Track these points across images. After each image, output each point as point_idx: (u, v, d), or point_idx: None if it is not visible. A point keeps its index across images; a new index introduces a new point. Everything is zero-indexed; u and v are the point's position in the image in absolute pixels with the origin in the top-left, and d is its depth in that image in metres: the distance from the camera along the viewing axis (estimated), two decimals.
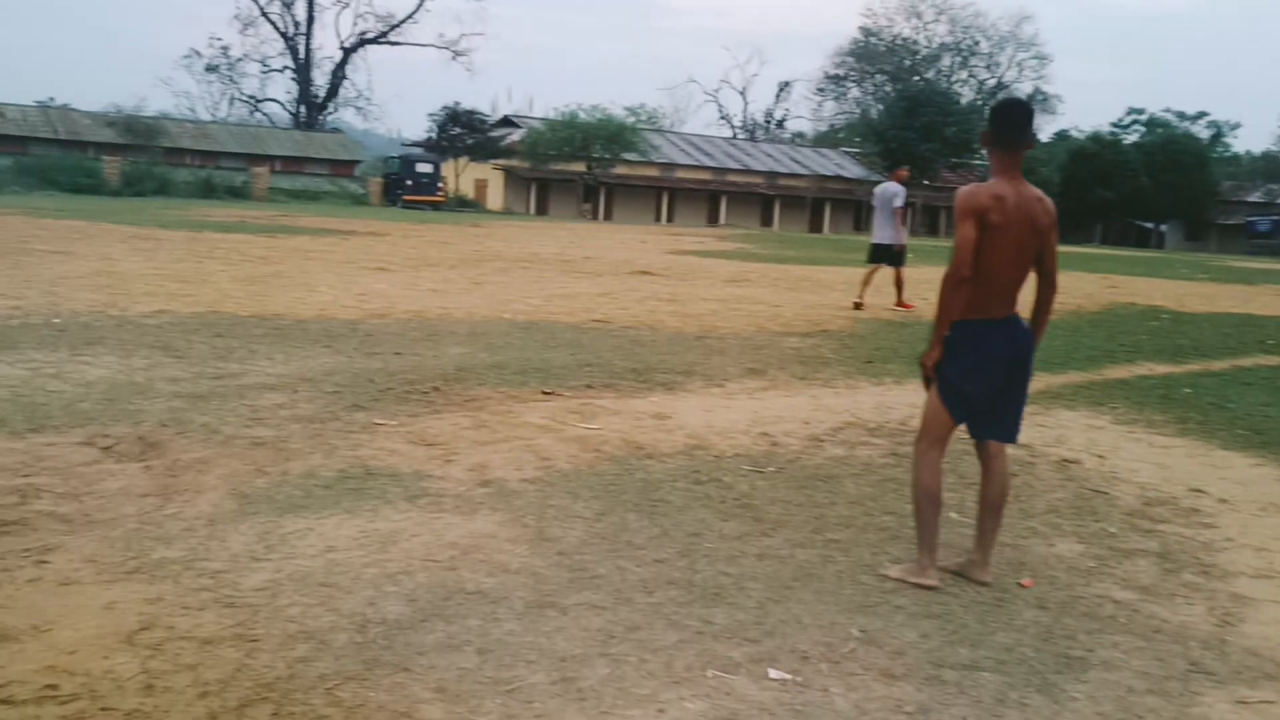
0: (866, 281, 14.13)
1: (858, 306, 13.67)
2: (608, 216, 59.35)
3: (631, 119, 59.71)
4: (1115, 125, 67.92)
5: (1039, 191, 4.05)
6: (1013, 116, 4.12)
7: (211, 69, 75.20)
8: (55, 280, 12.11)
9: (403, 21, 76.09)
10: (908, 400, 7.45)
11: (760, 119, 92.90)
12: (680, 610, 3.70)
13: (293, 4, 73.48)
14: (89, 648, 3.15)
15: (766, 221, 65.22)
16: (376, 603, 3.62)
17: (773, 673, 3.28)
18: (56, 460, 5.11)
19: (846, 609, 3.81)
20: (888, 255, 14.12)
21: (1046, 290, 4.17)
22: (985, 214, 3.91)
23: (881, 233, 14.22)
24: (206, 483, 4.88)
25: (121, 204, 35.31)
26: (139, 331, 8.90)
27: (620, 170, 60.09)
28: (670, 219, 61.66)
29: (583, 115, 57.86)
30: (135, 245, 17.84)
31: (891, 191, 14.17)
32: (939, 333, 4.01)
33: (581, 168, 58.03)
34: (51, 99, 62.42)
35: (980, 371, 4.02)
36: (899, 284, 14.21)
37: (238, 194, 48.97)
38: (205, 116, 72.08)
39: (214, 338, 8.79)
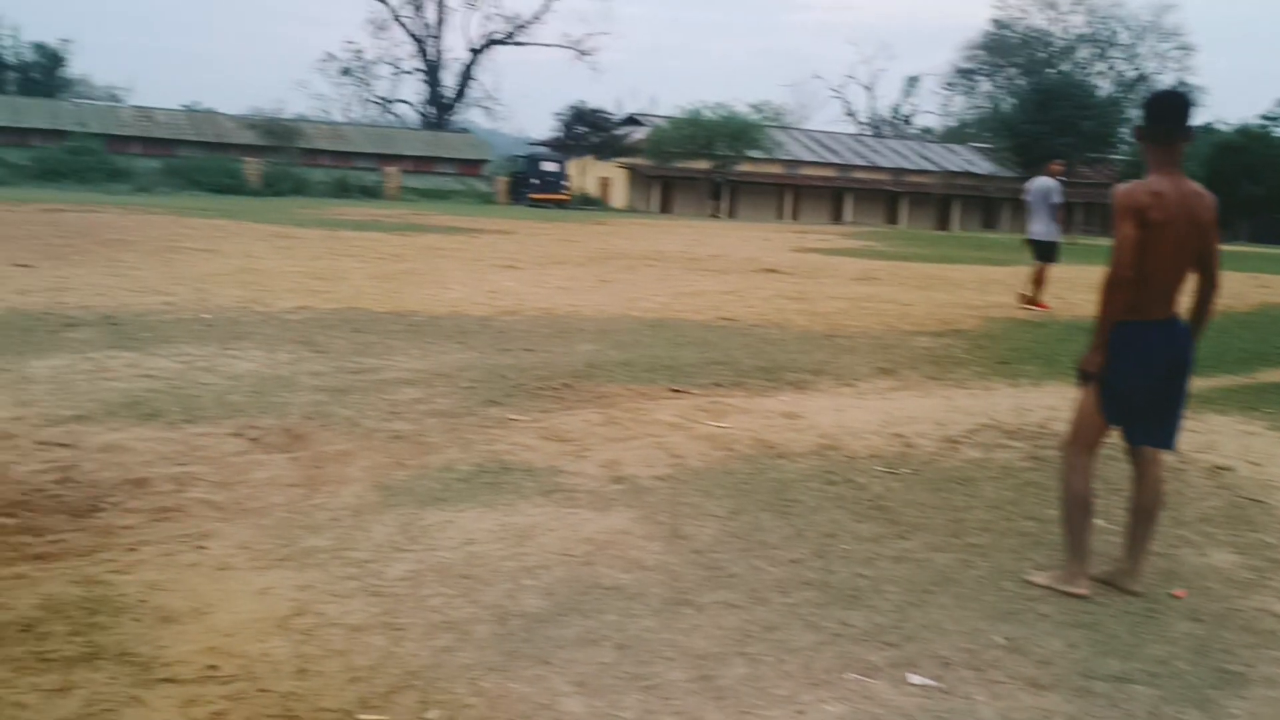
0: (1038, 279, 13.86)
1: (1033, 305, 13.49)
2: (731, 214, 59.20)
3: (756, 116, 59.39)
4: (1264, 118, 64.78)
5: (1198, 186, 3.89)
6: (1169, 109, 3.96)
7: (346, 72, 77.40)
8: (203, 277, 12.63)
9: (529, 22, 77.20)
10: (1046, 402, 7.25)
11: (886, 115, 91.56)
12: (817, 611, 3.67)
13: (424, 7, 75.18)
14: (246, 631, 3.28)
15: (892, 219, 64.20)
16: (515, 595, 3.68)
17: (914, 678, 3.22)
18: (210, 450, 5.32)
19: (989, 615, 3.73)
20: (1048, 251, 13.84)
21: (1208, 289, 4.00)
22: (1145, 212, 3.77)
23: (1038, 228, 13.93)
24: (349, 474, 5.03)
25: (261, 204, 36.63)
26: (282, 327, 9.21)
27: (744, 168, 59.85)
28: (794, 217, 61.20)
29: (707, 113, 57.79)
30: (275, 244, 18.48)
31: (1048, 186, 13.86)
32: (1100, 335, 3.86)
33: (705, 166, 57.97)
34: (197, 103, 65.25)
35: (1139, 374, 3.88)
36: (1041, 281, 13.87)
37: (370, 193, 50.34)
38: (339, 118, 74.31)
39: (352, 333, 9.05)
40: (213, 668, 3.03)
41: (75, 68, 68.74)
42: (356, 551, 4.01)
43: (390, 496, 4.70)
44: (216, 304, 10.42)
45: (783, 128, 67.25)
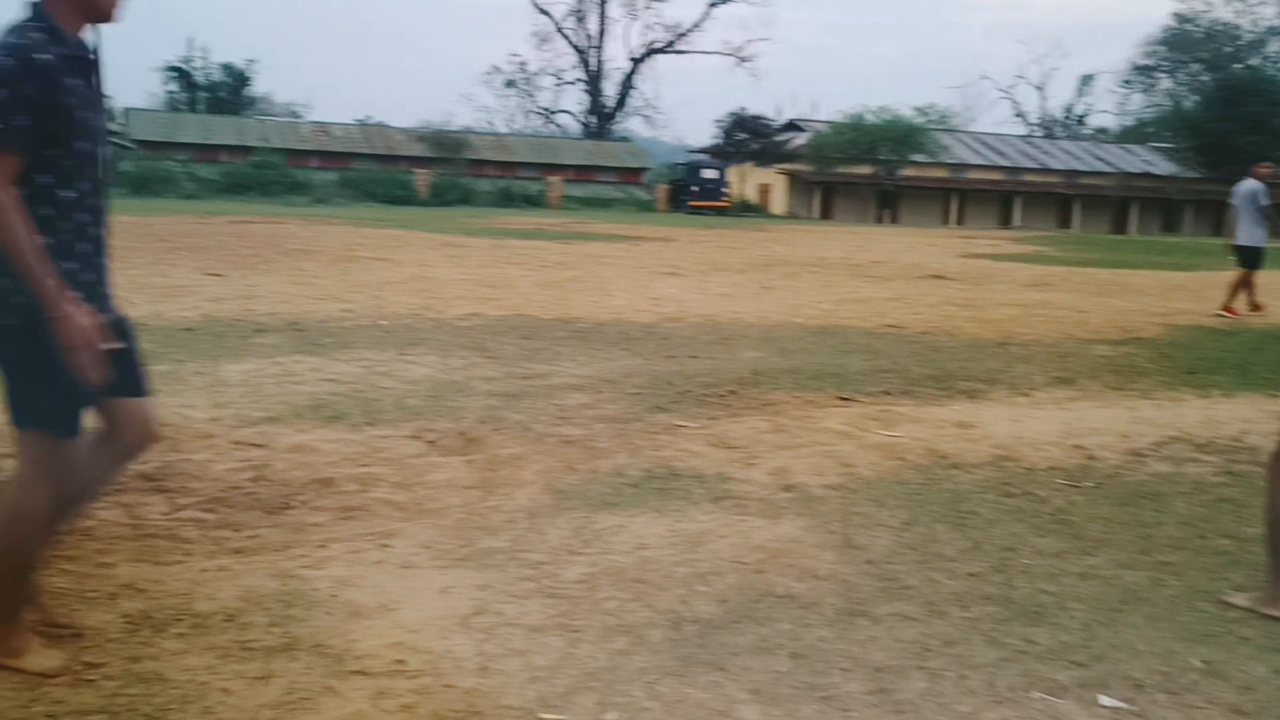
0: (1248, 286, 13.24)
1: (1256, 308, 12.94)
2: (894, 220, 58.18)
3: (920, 119, 58.26)
4: None
5: None
6: None
7: (510, 84, 79.32)
8: (379, 285, 13.12)
9: (689, 30, 77.54)
10: (1240, 415, 6.87)
11: (1059, 115, 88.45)
12: (999, 627, 3.56)
13: (586, 18, 76.43)
14: (430, 628, 3.38)
15: (1064, 223, 61.98)
16: (689, 601, 3.69)
17: (1104, 699, 3.09)
18: (390, 452, 5.52)
19: (1183, 637, 3.55)
20: (1254, 257, 13.21)
21: None
22: None
23: (1245, 233, 13.31)
24: (523, 477, 5.13)
25: (430, 213, 37.87)
26: (454, 333, 9.49)
27: (908, 172, 58.76)
28: (959, 222, 59.73)
29: (869, 117, 56.98)
30: (445, 252, 19.08)
31: (1254, 189, 13.21)
32: None
33: (868, 170, 57.15)
34: (369, 118, 67.89)
35: None
36: (1241, 288, 13.20)
37: (533, 202, 51.45)
38: (503, 129, 76.16)
39: (521, 339, 9.26)
40: (400, 662, 3.13)
41: (259, 86, 72.34)
42: (532, 553, 4.09)
43: (563, 500, 4.78)
44: (392, 311, 10.81)
45: (948, 130, 65.81)
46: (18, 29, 2.71)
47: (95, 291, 2.87)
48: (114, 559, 3.86)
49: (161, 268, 14.18)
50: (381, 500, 4.73)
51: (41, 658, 2.93)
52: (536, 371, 7.78)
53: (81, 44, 2.83)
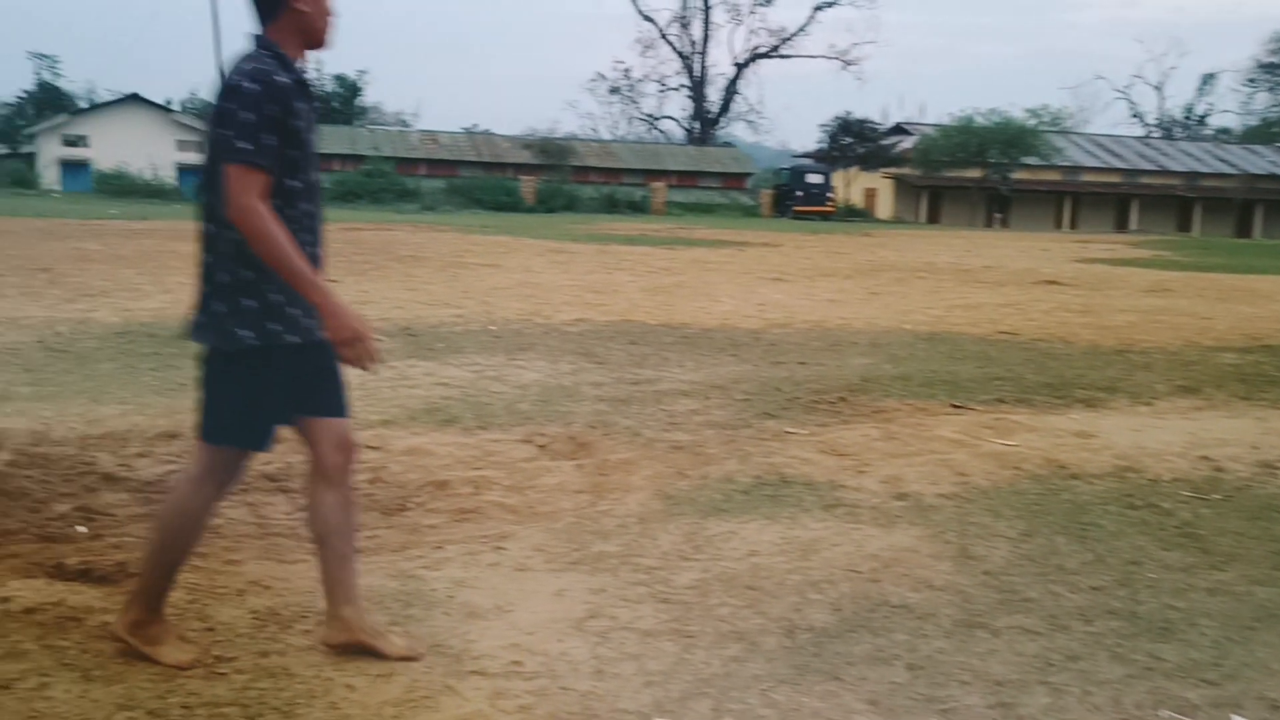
0: None
1: None
2: (1004, 224, 56.95)
3: (1032, 121, 56.95)
4: None
5: None
6: None
7: (614, 90, 79.79)
8: (488, 290, 13.32)
9: (794, 35, 77.07)
10: None
11: (1178, 115, 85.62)
12: (1124, 643, 3.45)
13: (690, 24, 76.51)
14: (545, 630, 3.42)
15: (1184, 226, 59.95)
16: (802, 609, 3.66)
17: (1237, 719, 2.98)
18: (501, 456, 5.59)
19: None
20: None
21: None
22: None
23: None
24: (633, 483, 5.16)
25: (536, 220, 38.30)
26: (562, 338, 9.59)
27: (1019, 175, 57.48)
28: (1073, 226, 58.22)
29: (979, 119, 55.90)
30: (552, 258, 19.27)
31: None
32: None
33: (977, 174, 56.06)
34: (476, 126, 68.94)
35: None
36: None
37: (637, 208, 51.65)
38: (607, 136, 76.63)
39: (629, 345, 9.30)
40: (517, 663, 3.17)
41: (369, 97, 74.05)
42: (644, 558, 4.11)
43: (673, 505, 4.79)
44: (501, 316, 10.96)
45: (1062, 132, 64.18)
46: (253, 56, 2.88)
47: (313, 310, 2.97)
48: (241, 556, 3.99)
49: None
50: (495, 503, 4.80)
51: (176, 650, 3.04)
52: (644, 377, 7.81)
53: (302, 70, 2.98)
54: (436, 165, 57.79)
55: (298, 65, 2.96)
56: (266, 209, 2.77)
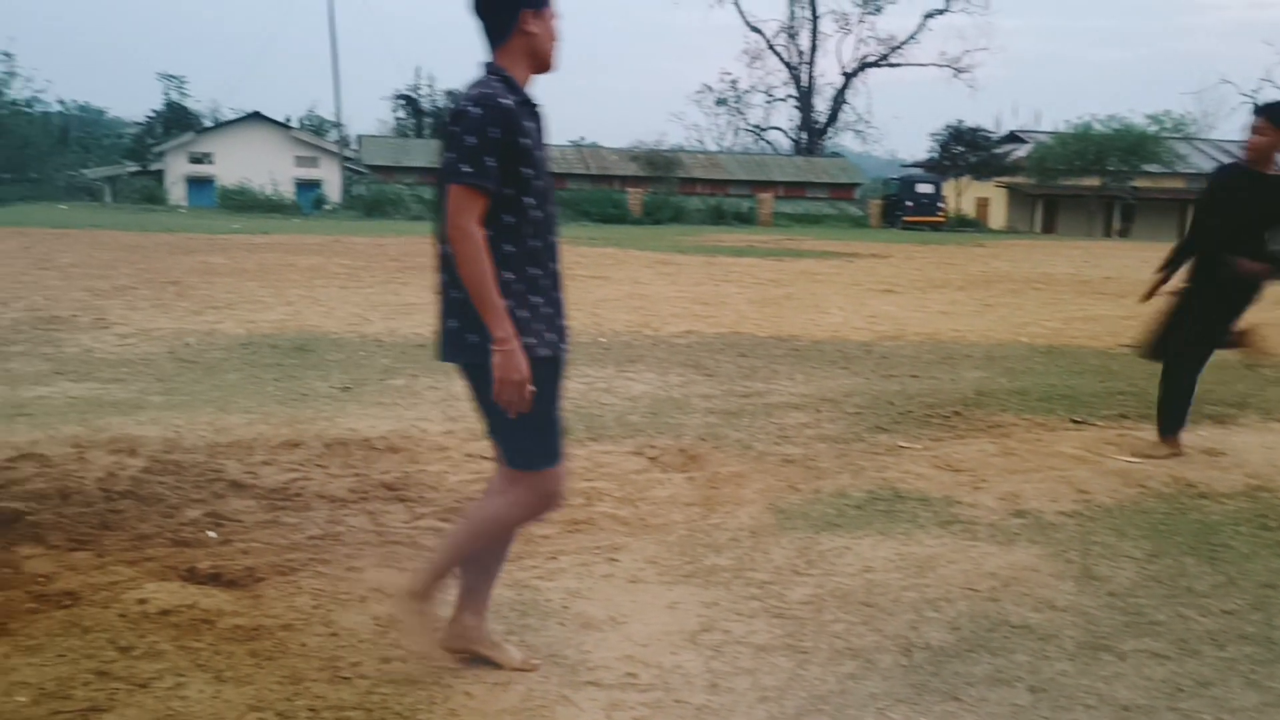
0: None
1: None
2: (1124, 234, 55.29)
3: (1154, 128, 55.19)
4: None
5: None
6: None
7: (721, 102, 79.65)
8: (596, 303, 13.42)
9: (904, 43, 76.04)
10: None
11: None
12: (1259, 669, 3.32)
13: (798, 35, 76.10)
14: (659, 643, 3.43)
15: None
16: (919, 627, 3.60)
17: None
18: (613, 467, 5.63)
19: None
20: None
21: None
22: None
23: None
24: (745, 496, 5.14)
25: (642, 232, 38.47)
26: (671, 350, 9.61)
27: (1139, 183, 55.73)
28: None
29: (1097, 126, 54.40)
30: (659, 270, 19.34)
31: None
32: None
33: (1095, 182, 54.53)
34: (583, 138, 69.69)
35: None
36: None
37: (744, 220, 51.52)
38: (713, 147, 76.56)
39: (738, 357, 9.28)
40: (632, 675, 3.19)
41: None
42: (757, 572, 4.09)
43: (785, 520, 4.76)
44: (610, 328, 11.04)
45: (1185, 139, 62.03)
46: (480, 81, 2.96)
47: (555, 324, 3.04)
48: (362, 564, 4.09)
49: (394, 286, 14.95)
50: (607, 514, 4.83)
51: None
52: (754, 389, 7.79)
53: (530, 93, 3.05)
54: None
55: (526, 88, 3.02)
56: (480, 233, 2.83)
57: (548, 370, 3.00)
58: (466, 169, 2.83)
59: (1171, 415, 5.91)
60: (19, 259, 17.55)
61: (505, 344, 2.84)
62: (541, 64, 3.07)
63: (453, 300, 2.96)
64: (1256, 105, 6.14)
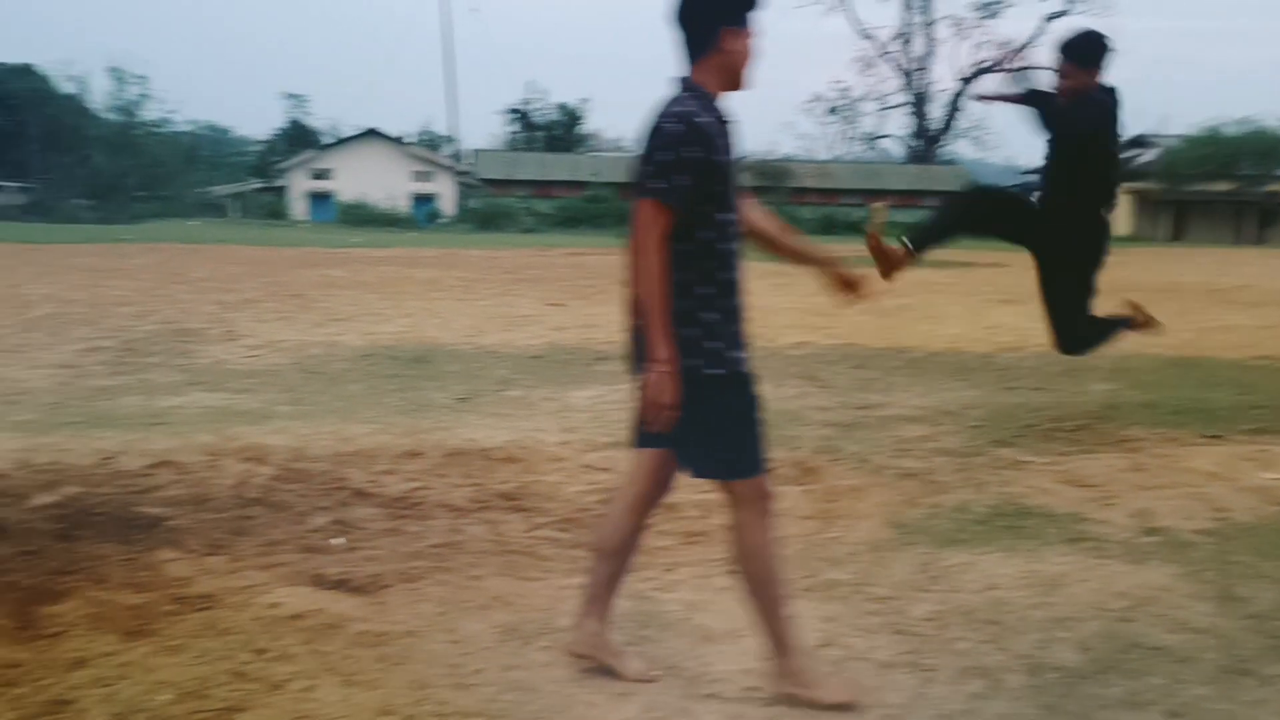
0: None
1: None
2: (1260, 240, 53.06)
3: None
4: None
5: None
6: None
7: (833, 111, 78.98)
8: None
9: (1023, 47, 74.37)
10: None
11: None
12: None
13: (912, 41, 75.03)
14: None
15: None
16: (1047, 647, 3.50)
17: None
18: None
19: None
20: None
21: None
22: None
23: None
24: (862, 510, 5.07)
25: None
26: (785, 362, 9.53)
27: (1275, 188, 53.44)
28: None
29: (1229, 129, 52.39)
30: (772, 281, 19.14)
31: None
32: None
33: (1227, 188, 52.47)
34: None
35: None
36: None
37: (856, 229, 50.91)
38: (824, 156, 75.92)
39: (853, 369, 9.17)
40: (753, 689, 3.17)
41: (590, 124, 76.28)
42: (877, 588, 4.03)
43: (905, 534, 4.68)
44: None
45: None
46: (677, 99, 2.98)
47: (737, 341, 3.05)
48: (483, 572, 4.15)
49: (508, 298, 15.17)
50: (723, 526, 4.80)
51: (837, 689, 3.12)
52: (870, 402, 7.68)
53: (724, 109, 3.07)
54: None
55: (718, 104, 3.04)
56: (664, 250, 2.87)
57: (729, 384, 2.99)
58: (658, 185, 2.86)
59: None
60: (154, 274, 18.32)
61: (663, 366, 2.86)
62: (735, 82, 3.06)
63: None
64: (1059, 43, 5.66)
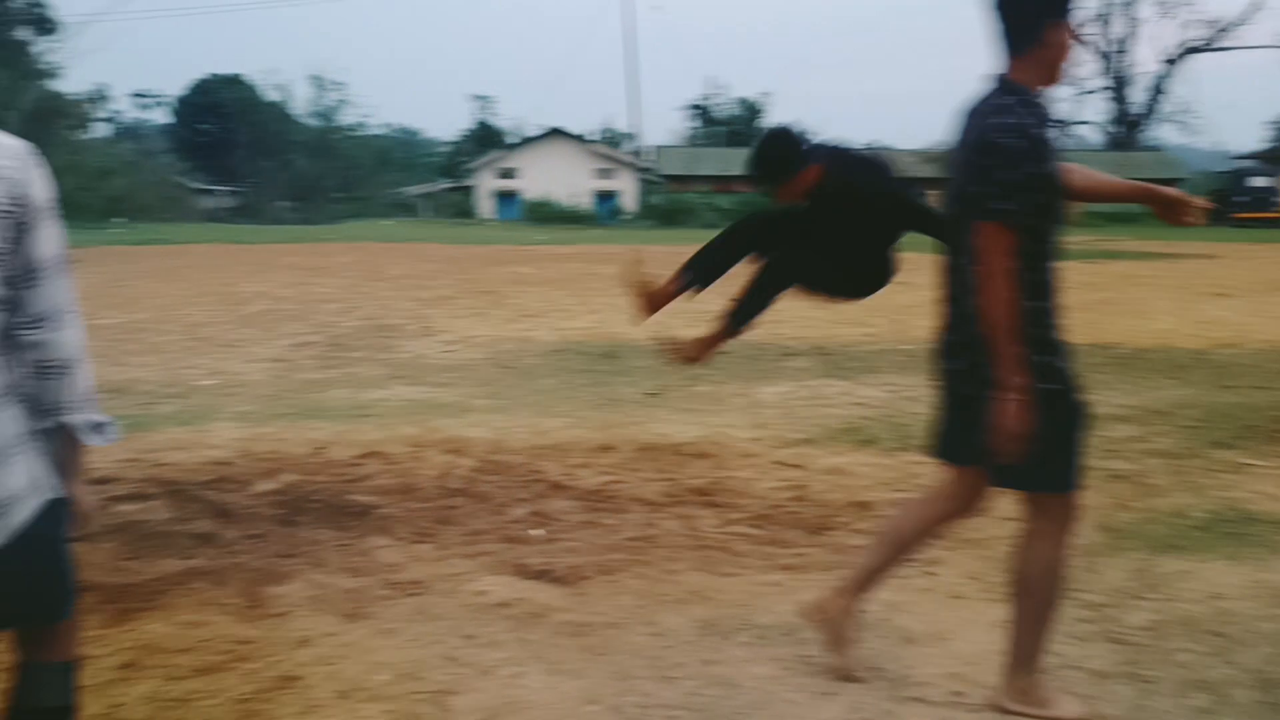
0: None
1: None
2: None
3: None
4: None
5: None
6: None
7: None
8: (898, 309, 13.09)
9: (1234, 24, 69.94)
10: None
11: None
12: None
13: (1110, 22, 71.57)
14: (986, 662, 3.28)
15: None
16: (1279, 662, 3.29)
17: None
18: (925, 478, 5.43)
19: None
20: None
21: None
22: None
23: None
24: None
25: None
26: None
27: None
28: None
29: None
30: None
31: None
32: None
33: None
34: (877, 141, 68.26)
35: None
36: None
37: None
38: None
39: None
40: (959, 694, 3.09)
41: (772, 118, 75.74)
42: (1090, 594, 3.86)
43: (1118, 539, 4.47)
44: (913, 335, 10.75)
45: None
46: (1002, 107, 2.79)
47: (1063, 350, 2.91)
48: (679, 566, 4.18)
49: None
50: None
51: (1066, 706, 3.03)
52: None
53: (1046, 108, 2.91)
54: None
55: (1041, 103, 2.86)
56: (1013, 275, 2.72)
57: (1060, 398, 2.87)
58: (1004, 206, 2.70)
59: None
60: (355, 271, 19.21)
61: (1015, 393, 2.73)
62: (1054, 77, 2.87)
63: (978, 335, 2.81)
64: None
